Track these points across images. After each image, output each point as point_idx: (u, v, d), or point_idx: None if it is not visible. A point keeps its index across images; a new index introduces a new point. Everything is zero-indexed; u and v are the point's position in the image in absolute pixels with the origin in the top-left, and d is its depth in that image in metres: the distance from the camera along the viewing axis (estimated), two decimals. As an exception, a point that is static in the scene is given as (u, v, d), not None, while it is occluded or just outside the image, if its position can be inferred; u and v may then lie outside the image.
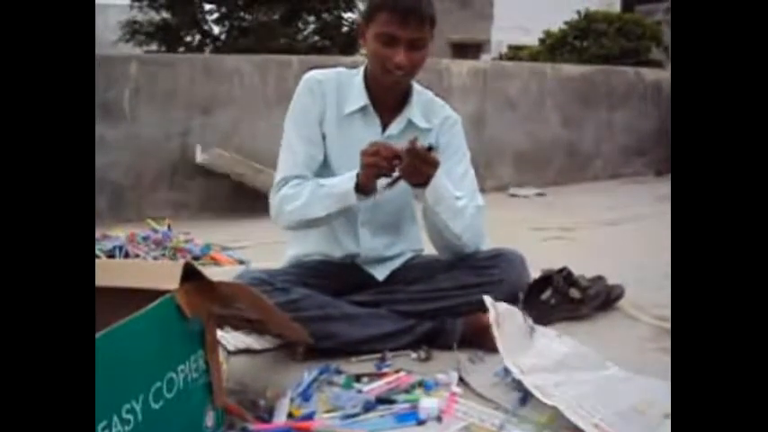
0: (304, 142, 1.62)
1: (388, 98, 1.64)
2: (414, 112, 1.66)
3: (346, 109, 1.63)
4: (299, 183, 1.59)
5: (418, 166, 1.47)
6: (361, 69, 1.65)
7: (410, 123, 1.66)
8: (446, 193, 1.56)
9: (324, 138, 1.64)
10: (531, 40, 10.14)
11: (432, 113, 1.70)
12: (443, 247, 1.67)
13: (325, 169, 1.65)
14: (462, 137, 1.73)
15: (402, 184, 1.53)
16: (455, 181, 1.66)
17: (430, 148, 1.49)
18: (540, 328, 1.52)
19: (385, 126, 1.65)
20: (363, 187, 1.49)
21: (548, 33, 8.77)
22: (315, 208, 1.55)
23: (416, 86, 1.69)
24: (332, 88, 1.63)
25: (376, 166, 1.45)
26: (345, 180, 1.51)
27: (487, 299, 1.47)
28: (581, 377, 1.33)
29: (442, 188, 1.55)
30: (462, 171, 1.69)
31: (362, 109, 1.63)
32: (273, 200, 1.61)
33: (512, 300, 1.59)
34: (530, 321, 1.50)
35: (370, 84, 1.63)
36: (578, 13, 8.38)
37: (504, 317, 1.44)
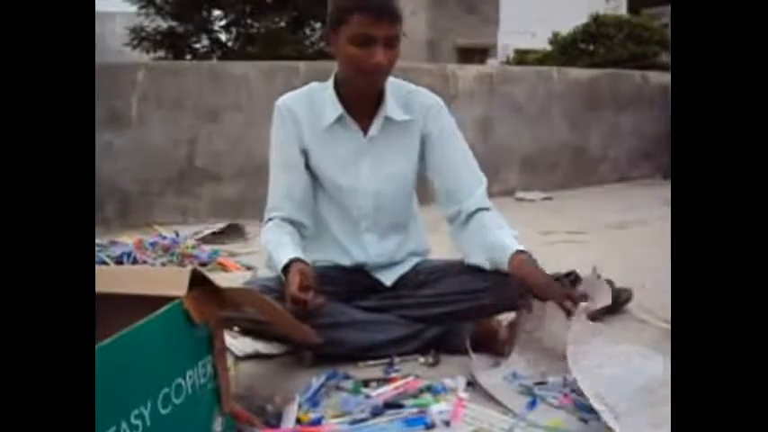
0: (282, 170, 1.65)
1: (363, 102, 1.62)
2: (389, 107, 1.63)
3: (323, 122, 1.62)
4: (274, 225, 1.62)
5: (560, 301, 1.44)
6: (331, 80, 1.64)
7: (387, 120, 1.63)
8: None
9: (307, 156, 1.65)
10: (539, 44, 10.12)
11: (411, 104, 1.66)
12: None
13: (317, 185, 1.68)
14: (451, 119, 1.70)
15: (400, 180, 1.65)
16: (461, 166, 1.66)
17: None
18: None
19: (365, 130, 1.64)
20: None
21: (555, 36, 8.75)
22: (275, 265, 1.55)
23: (391, 80, 1.64)
24: (304, 109, 1.63)
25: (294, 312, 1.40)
26: (280, 263, 1.50)
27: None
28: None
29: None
30: (463, 153, 1.68)
31: (339, 119, 1.61)
32: (261, 234, 1.65)
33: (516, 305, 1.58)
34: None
35: (343, 91, 1.61)
36: (587, 25, 8.34)
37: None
